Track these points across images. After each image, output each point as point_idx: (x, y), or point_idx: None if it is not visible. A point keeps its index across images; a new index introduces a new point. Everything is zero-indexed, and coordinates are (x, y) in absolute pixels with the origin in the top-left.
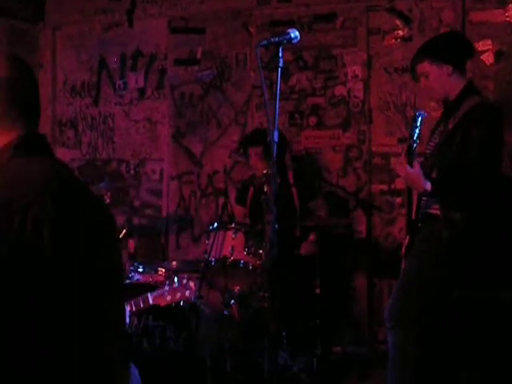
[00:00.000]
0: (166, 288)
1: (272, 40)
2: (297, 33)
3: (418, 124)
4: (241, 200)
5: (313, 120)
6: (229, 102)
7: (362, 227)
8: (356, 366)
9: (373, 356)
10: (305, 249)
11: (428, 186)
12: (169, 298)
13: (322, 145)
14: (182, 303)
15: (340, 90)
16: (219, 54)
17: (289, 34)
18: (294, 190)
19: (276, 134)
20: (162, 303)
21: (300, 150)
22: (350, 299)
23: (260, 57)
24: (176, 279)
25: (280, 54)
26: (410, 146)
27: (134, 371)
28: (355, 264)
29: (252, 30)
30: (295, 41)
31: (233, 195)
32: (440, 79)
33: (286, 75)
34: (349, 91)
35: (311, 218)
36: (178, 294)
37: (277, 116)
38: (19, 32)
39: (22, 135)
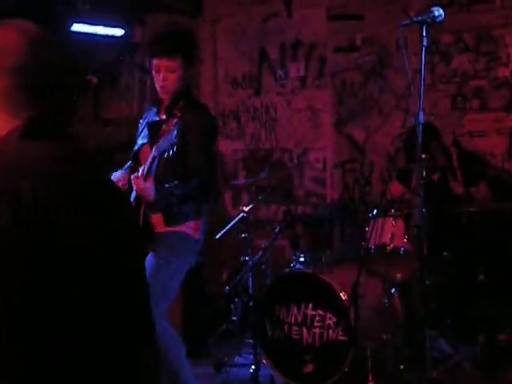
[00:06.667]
0: None
1: (415, 19)
2: (441, 11)
3: None
4: (402, 179)
5: (475, 103)
6: (390, 88)
7: None
8: None
9: None
10: None
11: None
12: None
13: (485, 128)
14: None
15: (503, 72)
16: (379, 40)
17: (432, 12)
18: (458, 173)
19: (421, 115)
20: None
21: (463, 133)
22: None
23: (404, 37)
24: None
25: (424, 33)
26: None
27: None
28: None
29: (411, 14)
30: (439, 19)
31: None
32: None
33: (447, 58)
34: None
35: (475, 203)
36: None
37: (421, 97)
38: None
39: (28, 118)
